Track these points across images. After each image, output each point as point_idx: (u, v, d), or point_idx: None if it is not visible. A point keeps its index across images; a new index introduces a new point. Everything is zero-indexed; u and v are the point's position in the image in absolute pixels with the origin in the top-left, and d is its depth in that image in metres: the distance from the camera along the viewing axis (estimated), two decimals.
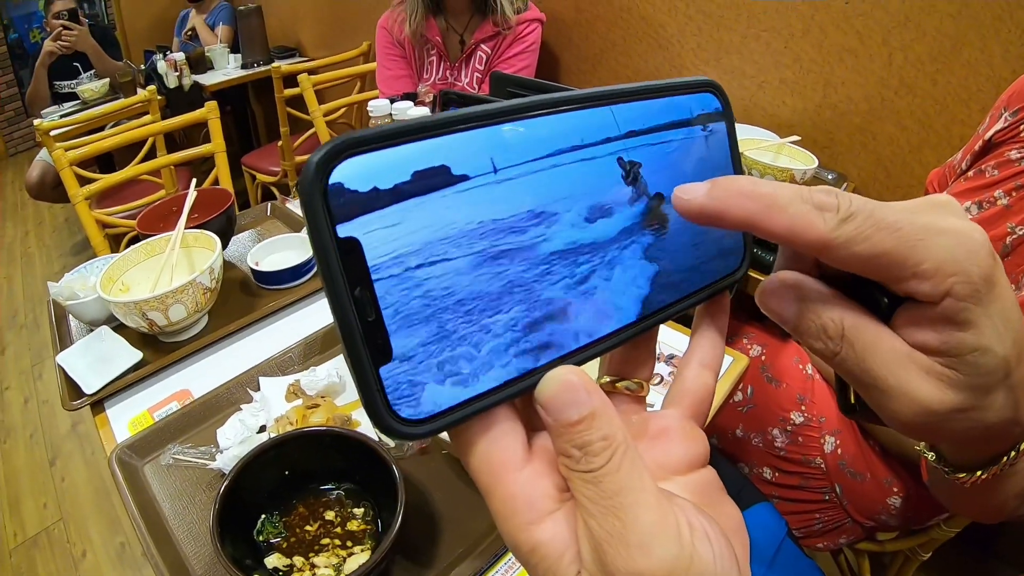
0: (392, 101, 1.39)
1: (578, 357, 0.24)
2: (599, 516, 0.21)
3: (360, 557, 0.62)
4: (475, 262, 0.22)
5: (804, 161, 1.46)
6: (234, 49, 3.42)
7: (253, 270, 1.06)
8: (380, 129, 0.20)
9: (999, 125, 0.79)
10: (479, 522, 0.68)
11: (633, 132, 0.27)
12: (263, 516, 0.66)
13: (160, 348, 0.95)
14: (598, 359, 0.27)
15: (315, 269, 1.09)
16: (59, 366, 0.91)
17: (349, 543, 0.64)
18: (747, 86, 1.82)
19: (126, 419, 0.85)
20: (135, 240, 2.15)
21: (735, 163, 0.30)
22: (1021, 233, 0.75)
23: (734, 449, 1.21)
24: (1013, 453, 0.34)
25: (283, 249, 1.13)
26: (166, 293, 0.87)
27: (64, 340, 1.02)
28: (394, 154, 0.20)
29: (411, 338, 0.21)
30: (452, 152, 0.22)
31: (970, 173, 0.81)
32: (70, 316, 1.05)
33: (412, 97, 1.55)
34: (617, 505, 0.21)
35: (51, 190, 2.89)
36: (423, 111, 1.27)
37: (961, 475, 0.37)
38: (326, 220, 0.19)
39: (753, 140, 1.50)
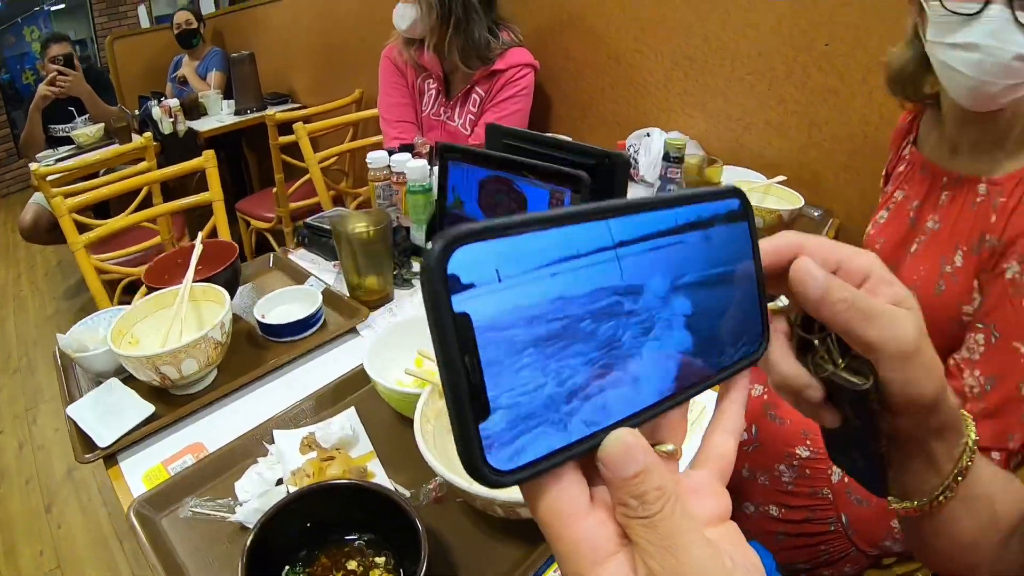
0: (390, 153, 1.43)
1: (630, 423, 0.28)
2: (658, 556, 0.25)
3: None
4: (560, 335, 0.26)
5: (791, 201, 1.51)
6: (227, 95, 3.48)
7: (260, 323, 1.08)
8: (486, 224, 0.24)
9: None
10: (495, 568, 0.70)
11: (684, 226, 0.31)
12: (287, 567, 0.67)
13: (170, 401, 0.96)
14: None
15: (320, 322, 1.12)
16: (70, 418, 0.92)
17: None
18: (734, 128, 1.88)
19: (140, 472, 0.87)
20: (131, 286, 2.17)
21: (755, 251, 0.35)
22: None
23: (740, 488, 1.23)
24: (957, 472, 0.42)
25: (288, 302, 1.15)
26: (179, 348, 0.89)
27: (71, 390, 1.03)
28: (498, 244, 0.25)
29: (506, 400, 0.25)
30: (545, 242, 0.26)
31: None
32: (76, 366, 1.07)
33: (409, 148, 1.59)
34: (673, 545, 0.26)
35: (45, 233, 2.92)
36: (421, 163, 1.32)
37: (919, 503, 0.44)
38: (445, 298, 0.23)
39: (741, 182, 1.55)
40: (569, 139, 1.86)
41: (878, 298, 0.35)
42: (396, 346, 0.94)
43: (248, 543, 0.62)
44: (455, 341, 0.23)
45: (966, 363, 0.92)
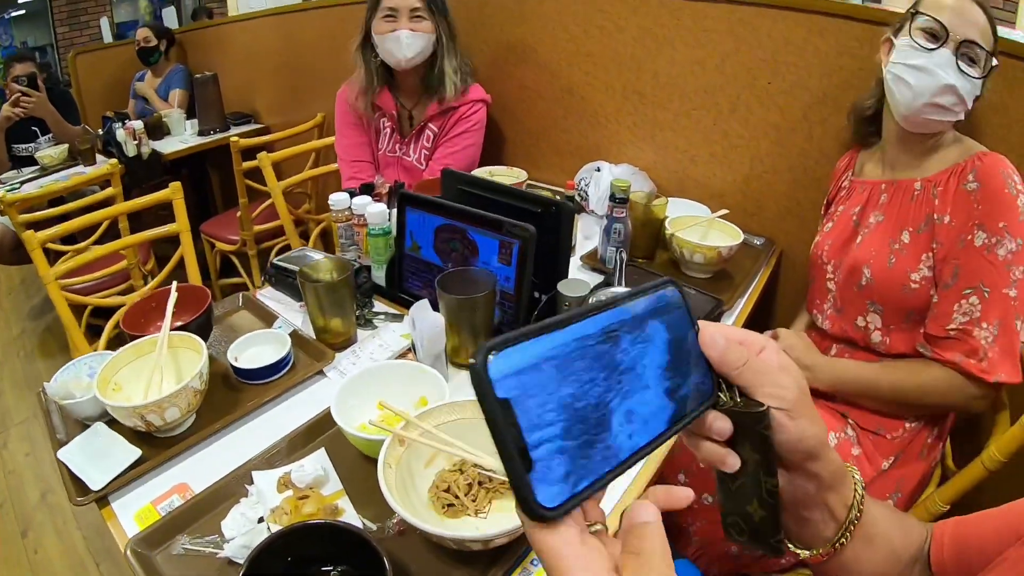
0: (352, 195, 1.51)
1: (633, 461, 0.41)
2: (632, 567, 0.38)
3: None
4: (570, 407, 0.38)
5: (731, 236, 1.62)
6: (189, 112, 3.51)
7: (233, 367, 1.17)
8: (512, 335, 0.36)
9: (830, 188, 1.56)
10: None
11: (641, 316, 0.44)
12: None
13: (154, 444, 1.04)
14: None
15: (290, 364, 1.21)
16: (61, 462, 0.99)
17: None
18: (680, 160, 1.99)
19: (132, 511, 0.94)
20: (97, 311, 2.20)
21: (691, 323, 0.47)
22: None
23: (705, 481, 1.34)
24: (850, 524, 0.53)
25: (259, 344, 1.23)
26: (163, 399, 0.97)
27: (53, 431, 1.09)
28: (524, 347, 0.36)
29: (544, 457, 0.36)
30: (548, 344, 0.37)
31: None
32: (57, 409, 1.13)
33: (370, 189, 1.68)
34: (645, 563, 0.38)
35: (9, 253, 2.90)
36: (381, 207, 1.40)
37: (823, 550, 0.54)
38: (491, 389, 0.34)
39: (685, 218, 1.66)
40: (522, 183, 1.98)
41: (767, 363, 0.47)
42: (359, 394, 1.04)
43: None
44: (501, 418, 0.34)
45: (972, 324, 1.16)
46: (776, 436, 0.46)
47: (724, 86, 1.83)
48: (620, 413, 0.40)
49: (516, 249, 1.21)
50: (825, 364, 1.37)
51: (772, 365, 0.47)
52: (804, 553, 0.56)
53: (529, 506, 0.35)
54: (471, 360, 0.35)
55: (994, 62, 1.17)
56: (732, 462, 0.48)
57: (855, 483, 0.54)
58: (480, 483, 0.88)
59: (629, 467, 0.40)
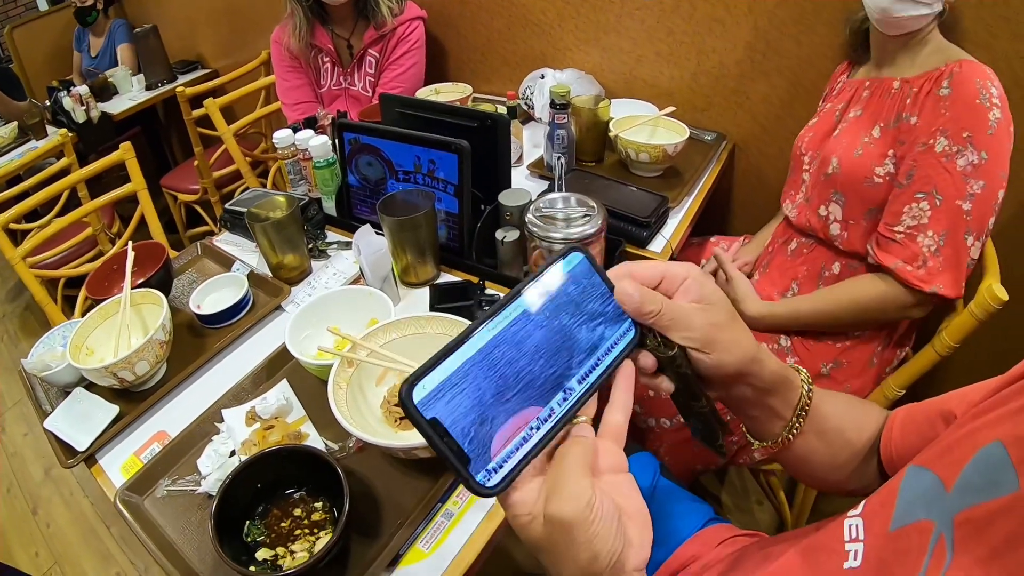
0: (295, 130, 1.52)
1: (562, 424, 0.46)
2: (552, 473, 0.44)
3: (325, 539, 0.80)
4: (498, 398, 0.43)
5: (678, 133, 1.62)
6: (137, 67, 3.42)
7: (196, 314, 1.20)
8: (426, 364, 0.41)
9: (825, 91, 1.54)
10: (410, 498, 0.87)
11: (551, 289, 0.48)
12: (248, 522, 0.83)
13: (131, 399, 1.08)
14: None
15: (249, 304, 1.25)
16: (48, 431, 1.03)
17: (316, 530, 0.82)
18: (626, 61, 1.96)
19: (117, 465, 1.00)
20: (71, 281, 2.22)
21: (604, 279, 0.51)
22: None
23: (648, 407, 1.41)
24: (796, 418, 0.59)
25: (219, 288, 1.26)
26: (130, 354, 1.01)
27: (39, 404, 1.13)
28: (442, 368, 0.42)
29: (478, 449, 0.42)
30: (462, 356, 0.43)
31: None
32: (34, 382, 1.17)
33: (312, 123, 1.67)
34: (563, 470, 0.43)
35: None
36: (323, 139, 1.41)
37: (771, 443, 0.61)
38: (420, 415, 0.40)
39: (631, 118, 1.66)
40: (467, 97, 1.95)
41: (687, 297, 0.51)
42: (312, 323, 1.08)
43: (213, 508, 0.78)
44: (433, 433, 0.40)
45: (917, 229, 1.15)
46: (696, 367, 0.51)
47: None
48: (550, 383, 0.45)
49: (454, 165, 1.23)
50: (760, 314, 1.38)
51: (683, 310, 0.50)
52: (756, 443, 0.62)
53: (476, 491, 0.42)
54: (399, 392, 0.41)
55: None
56: (666, 387, 0.52)
57: (802, 384, 0.59)
58: None
59: (566, 423, 0.46)
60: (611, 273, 0.51)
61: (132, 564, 1.97)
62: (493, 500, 0.54)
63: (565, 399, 0.46)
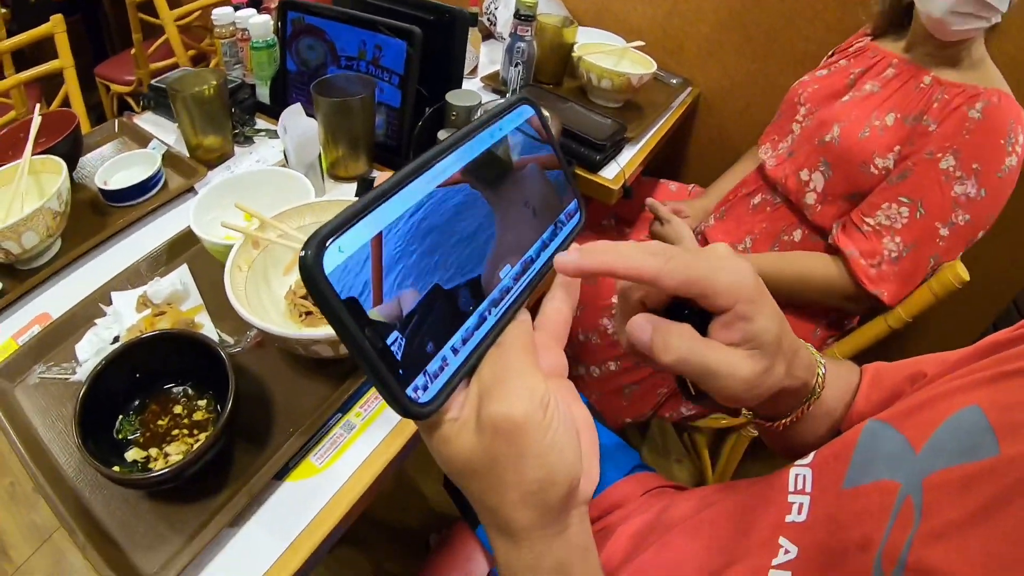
0: (236, 9, 1.38)
1: (504, 323, 0.36)
2: (488, 364, 0.34)
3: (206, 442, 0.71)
4: (431, 278, 0.33)
5: (644, 66, 1.56)
6: None
7: (102, 190, 1.08)
8: (339, 219, 0.29)
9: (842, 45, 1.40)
10: (306, 402, 0.78)
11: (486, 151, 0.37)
12: (120, 416, 0.74)
13: (17, 276, 0.97)
14: None
15: (160, 184, 1.13)
16: None
17: (196, 431, 0.73)
18: None
19: None
20: None
21: (553, 145, 0.42)
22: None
23: (577, 354, 1.36)
24: (806, 406, 0.52)
25: (131, 166, 1.14)
26: (17, 222, 0.89)
27: None
28: (355, 231, 0.29)
29: (409, 350, 0.30)
30: (383, 217, 0.30)
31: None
32: None
33: (257, 3, 1.53)
34: (505, 360, 0.34)
35: None
36: (264, 18, 1.29)
37: (771, 424, 0.55)
38: (332, 294, 0.27)
39: (598, 44, 1.58)
40: None
41: (731, 333, 0.40)
42: (223, 204, 0.97)
43: (80, 396, 0.67)
44: (352, 323, 0.28)
45: (886, 229, 1.11)
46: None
47: None
48: (491, 266, 0.36)
49: (402, 53, 1.13)
50: None
51: (725, 363, 0.39)
52: (769, 425, 0.56)
53: (407, 409, 0.30)
54: (300, 253, 0.27)
55: None
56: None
57: (818, 367, 0.52)
58: None
59: (508, 322, 0.36)
60: (586, 248, 0.39)
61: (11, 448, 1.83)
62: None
63: (509, 289, 0.37)
